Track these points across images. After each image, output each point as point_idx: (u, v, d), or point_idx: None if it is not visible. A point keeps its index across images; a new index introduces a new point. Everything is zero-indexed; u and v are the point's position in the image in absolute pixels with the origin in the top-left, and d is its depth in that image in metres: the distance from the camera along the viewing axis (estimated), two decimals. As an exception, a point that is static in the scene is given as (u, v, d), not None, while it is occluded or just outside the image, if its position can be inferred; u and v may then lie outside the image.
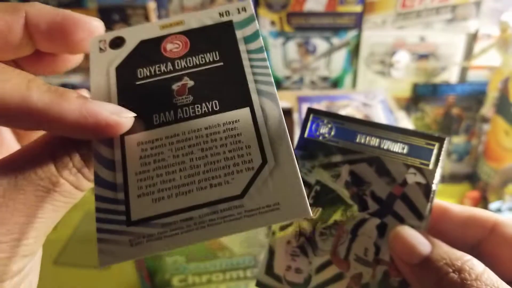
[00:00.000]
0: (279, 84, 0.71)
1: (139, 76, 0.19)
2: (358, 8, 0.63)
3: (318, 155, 0.22)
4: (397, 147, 0.21)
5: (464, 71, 0.67)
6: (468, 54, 0.65)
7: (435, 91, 0.66)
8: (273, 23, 0.66)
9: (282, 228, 0.22)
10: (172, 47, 0.19)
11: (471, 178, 0.69)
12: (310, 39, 0.67)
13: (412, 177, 0.21)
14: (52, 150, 0.16)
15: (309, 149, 0.22)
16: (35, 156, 0.16)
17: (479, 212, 0.21)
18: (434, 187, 0.20)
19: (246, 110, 0.17)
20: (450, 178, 0.69)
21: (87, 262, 0.56)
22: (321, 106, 0.55)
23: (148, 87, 0.18)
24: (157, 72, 0.19)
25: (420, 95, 0.67)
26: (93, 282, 0.53)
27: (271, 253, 0.22)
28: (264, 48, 0.19)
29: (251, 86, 0.18)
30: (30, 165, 0.16)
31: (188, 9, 0.66)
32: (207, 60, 0.19)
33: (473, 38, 0.64)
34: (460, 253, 0.18)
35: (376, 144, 0.21)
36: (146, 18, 0.65)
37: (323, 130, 0.22)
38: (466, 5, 0.62)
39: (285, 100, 0.55)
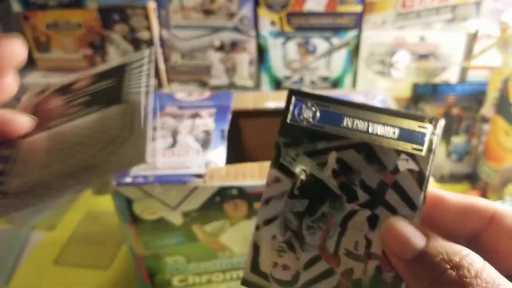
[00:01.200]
0: (279, 84, 0.71)
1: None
2: (358, 8, 0.63)
3: (302, 142, 0.20)
4: (387, 131, 0.19)
5: (464, 71, 0.67)
6: (468, 54, 0.65)
7: (435, 91, 0.66)
8: (273, 23, 0.66)
9: (267, 222, 0.21)
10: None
11: (471, 178, 0.69)
12: (310, 39, 0.67)
13: (404, 164, 0.19)
14: None
15: (292, 135, 0.20)
16: None
17: (477, 201, 0.20)
18: (428, 174, 0.19)
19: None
20: (450, 178, 0.69)
21: (87, 262, 0.56)
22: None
23: None
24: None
25: (420, 95, 0.67)
26: (93, 282, 0.53)
27: (256, 249, 0.21)
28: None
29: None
30: None
31: (188, 9, 0.66)
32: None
33: (473, 38, 0.64)
34: (458, 247, 0.17)
35: (365, 129, 0.20)
36: (146, 18, 0.65)
37: (307, 114, 0.20)
38: (466, 5, 0.62)
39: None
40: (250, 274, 0.20)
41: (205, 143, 0.44)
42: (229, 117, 0.49)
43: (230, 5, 0.65)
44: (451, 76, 0.67)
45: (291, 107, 0.20)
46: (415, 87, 0.67)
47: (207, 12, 0.66)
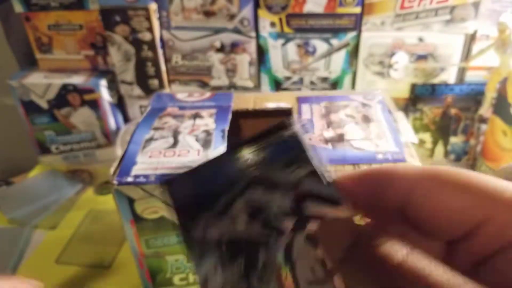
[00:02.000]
0: (279, 85, 0.72)
1: None
2: (357, 10, 0.64)
3: (202, 212, 0.19)
4: (263, 155, 0.19)
5: (462, 71, 0.67)
6: (467, 55, 0.66)
7: (433, 91, 0.67)
8: (273, 24, 0.66)
9: None
10: None
11: (470, 178, 0.69)
12: (310, 40, 0.67)
13: (299, 172, 0.18)
14: None
15: (189, 214, 0.19)
16: None
17: (378, 169, 0.18)
18: (318, 166, 0.18)
19: None
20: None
21: (89, 261, 0.56)
22: (320, 106, 0.56)
23: None
24: None
25: (419, 96, 0.67)
26: (94, 281, 0.54)
27: None
28: None
29: None
30: None
31: (188, 10, 0.66)
32: None
33: (471, 39, 0.65)
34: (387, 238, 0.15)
35: (246, 165, 0.19)
36: (147, 19, 0.65)
37: (190, 190, 0.19)
38: (465, 6, 0.63)
39: (285, 100, 0.55)
40: None
41: (205, 143, 0.45)
42: (229, 117, 0.50)
43: (230, 7, 0.65)
44: (449, 76, 0.68)
45: (172, 196, 0.19)
46: (414, 87, 0.68)
47: (208, 14, 0.67)
